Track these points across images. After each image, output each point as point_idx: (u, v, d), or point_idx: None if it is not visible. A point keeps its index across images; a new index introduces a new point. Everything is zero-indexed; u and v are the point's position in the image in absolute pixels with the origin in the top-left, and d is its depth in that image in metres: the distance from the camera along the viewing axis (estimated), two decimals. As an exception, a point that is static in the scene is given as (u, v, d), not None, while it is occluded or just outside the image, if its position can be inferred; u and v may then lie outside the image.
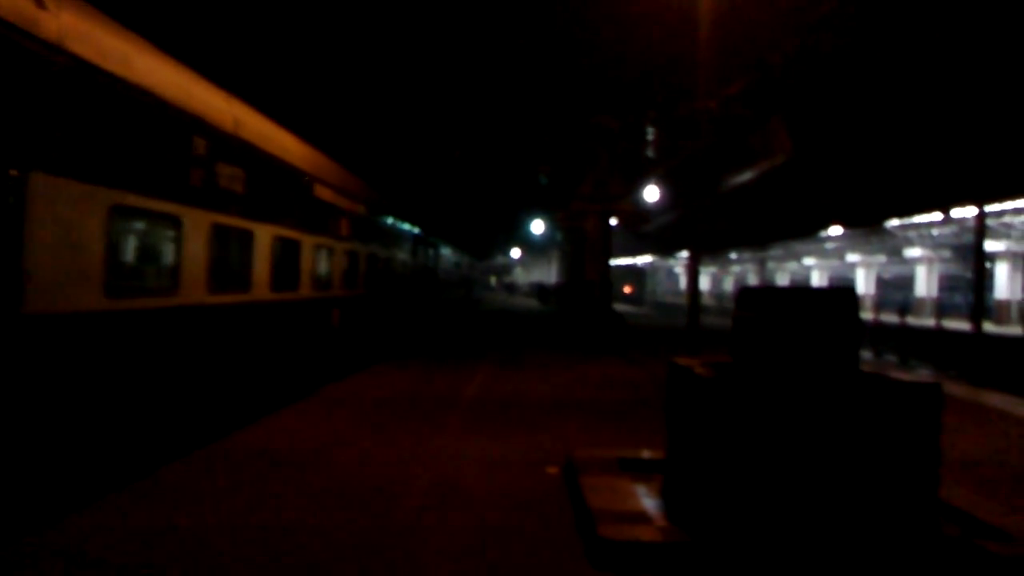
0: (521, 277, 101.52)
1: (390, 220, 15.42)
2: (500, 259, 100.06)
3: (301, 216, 9.63)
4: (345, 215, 11.73)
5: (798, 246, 47.09)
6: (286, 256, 9.07)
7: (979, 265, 15.50)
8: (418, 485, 5.43)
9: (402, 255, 16.97)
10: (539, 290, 56.68)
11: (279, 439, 6.78)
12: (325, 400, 8.99)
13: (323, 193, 10.57)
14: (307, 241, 9.79)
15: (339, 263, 11.47)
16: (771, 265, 58.90)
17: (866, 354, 22.43)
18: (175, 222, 6.34)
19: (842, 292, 4.45)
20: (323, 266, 10.75)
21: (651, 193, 26.05)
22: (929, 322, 31.17)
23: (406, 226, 17.45)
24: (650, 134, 26.84)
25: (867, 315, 30.02)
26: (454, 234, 33.48)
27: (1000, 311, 34.08)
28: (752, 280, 60.28)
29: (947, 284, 43.46)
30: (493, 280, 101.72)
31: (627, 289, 59.47)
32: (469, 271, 40.61)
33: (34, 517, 4.54)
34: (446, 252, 27.41)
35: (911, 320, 29.39)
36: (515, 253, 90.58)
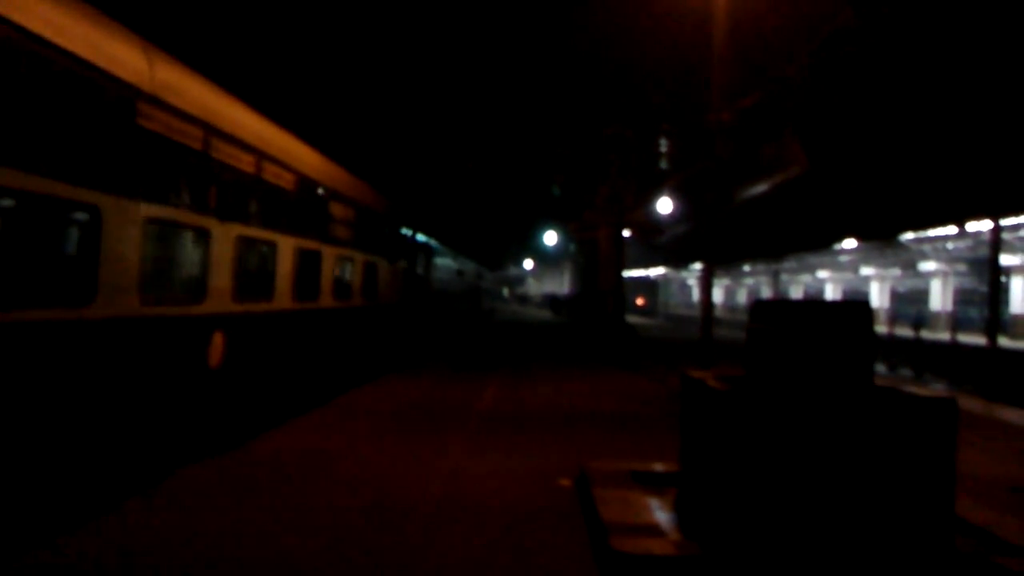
0: (534, 288, 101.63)
1: (350, 207, 12.07)
2: (513, 270, 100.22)
3: (105, 165, 5.27)
4: (253, 185, 8.09)
5: (812, 259, 46.92)
6: (52, 237, 5.06)
7: (994, 279, 15.42)
8: (431, 495, 5.45)
9: (370, 258, 13.35)
10: (551, 301, 56.82)
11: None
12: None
13: (177, 131, 6.36)
14: (129, 212, 5.55)
15: (225, 258, 7.37)
16: (785, 278, 58.63)
17: (880, 368, 22.29)
18: None
19: (856, 305, 4.44)
20: (188, 262, 6.94)
21: (664, 205, 26.09)
22: (944, 336, 30.92)
23: (379, 222, 14.19)
24: (663, 145, 26.93)
25: (881, 329, 29.81)
26: (465, 243, 33.19)
27: (1016, 325, 33.74)
28: (766, 293, 60.02)
29: (962, 298, 43.11)
30: (506, 291, 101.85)
31: (639, 301, 59.31)
32: (478, 281, 40.05)
33: (58, 519, 4.60)
34: (446, 260, 24.90)
35: (926, 334, 29.13)
36: (528, 264, 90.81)
